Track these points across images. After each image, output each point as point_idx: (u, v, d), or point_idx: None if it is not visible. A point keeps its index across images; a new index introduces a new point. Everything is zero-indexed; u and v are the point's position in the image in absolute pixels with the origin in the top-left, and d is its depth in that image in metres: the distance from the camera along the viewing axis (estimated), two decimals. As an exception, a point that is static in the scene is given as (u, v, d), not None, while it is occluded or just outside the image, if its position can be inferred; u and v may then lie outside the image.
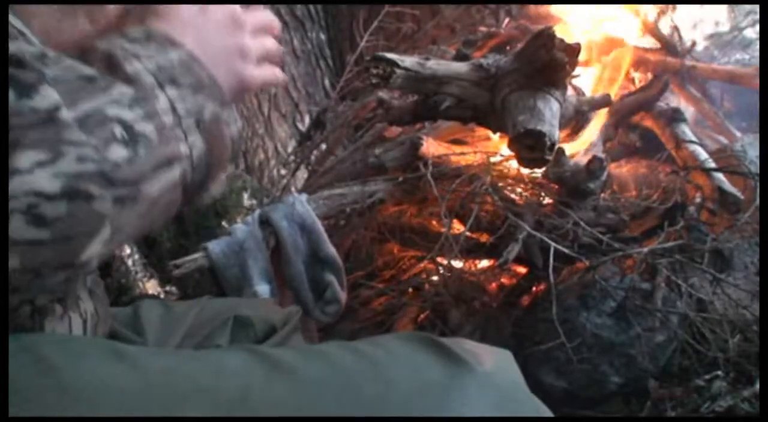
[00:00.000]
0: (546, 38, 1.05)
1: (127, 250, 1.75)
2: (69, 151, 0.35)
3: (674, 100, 1.75)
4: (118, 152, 0.37)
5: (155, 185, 0.39)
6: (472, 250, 1.27)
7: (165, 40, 0.43)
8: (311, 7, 2.41)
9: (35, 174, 0.34)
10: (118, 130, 0.37)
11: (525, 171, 1.28)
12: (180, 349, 0.62)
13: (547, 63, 1.06)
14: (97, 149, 0.36)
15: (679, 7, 1.74)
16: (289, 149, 2.27)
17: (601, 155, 1.21)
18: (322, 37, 2.44)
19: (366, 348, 0.48)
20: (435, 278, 1.36)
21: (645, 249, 1.15)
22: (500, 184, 1.26)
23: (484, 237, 1.27)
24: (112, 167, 0.36)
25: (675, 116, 1.52)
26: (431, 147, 1.34)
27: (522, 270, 1.29)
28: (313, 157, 1.77)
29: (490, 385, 0.47)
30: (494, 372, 0.48)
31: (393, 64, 1.09)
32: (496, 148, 1.41)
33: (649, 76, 1.65)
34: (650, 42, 1.70)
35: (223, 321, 0.69)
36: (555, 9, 1.69)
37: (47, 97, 0.35)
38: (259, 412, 0.41)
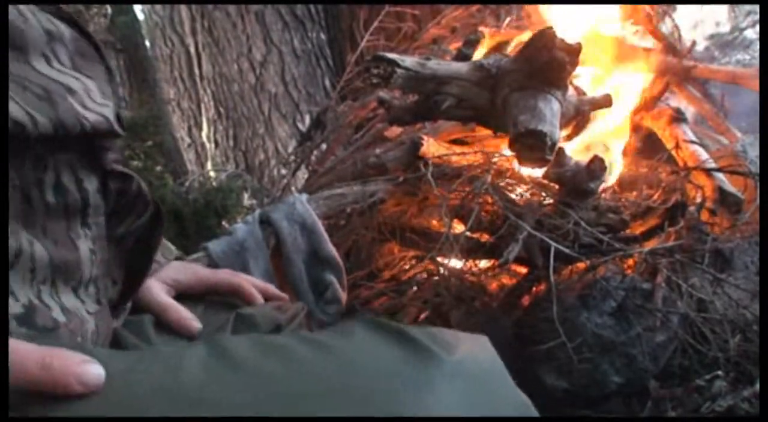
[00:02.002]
0: (547, 38, 1.06)
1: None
2: None
3: (675, 100, 1.75)
4: None
5: None
6: (472, 250, 1.27)
7: None
8: (311, 7, 2.42)
9: None
10: None
11: (525, 171, 1.28)
12: (146, 349, 0.60)
13: (548, 63, 1.06)
14: None
15: (679, 7, 1.74)
16: (290, 149, 2.27)
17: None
18: (323, 37, 2.45)
19: (327, 340, 0.47)
20: (435, 278, 1.36)
21: (645, 249, 1.15)
22: (501, 184, 1.26)
23: (484, 237, 1.27)
24: None
25: (676, 116, 1.52)
26: (432, 147, 1.35)
27: (522, 270, 1.29)
28: (313, 157, 1.78)
29: (458, 374, 0.45)
30: (464, 360, 0.46)
31: (393, 63, 1.09)
32: (496, 147, 1.41)
33: (650, 76, 1.65)
34: (651, 42, 1.70)
35: (225, 319, 0.69)
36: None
37: None
38: (217, 412, 0.40)
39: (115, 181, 0.57)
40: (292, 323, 0.73)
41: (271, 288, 0.81)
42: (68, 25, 0.54)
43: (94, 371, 0.38)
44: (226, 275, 0.79)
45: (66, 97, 0.50)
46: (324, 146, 1.76)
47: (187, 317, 0.68)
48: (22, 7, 0.49)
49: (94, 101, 0.53)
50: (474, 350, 0.49)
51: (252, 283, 0.79)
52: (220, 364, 0.43)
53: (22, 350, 0.37)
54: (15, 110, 0.45)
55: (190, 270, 0.77)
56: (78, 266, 0.53)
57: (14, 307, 0.46)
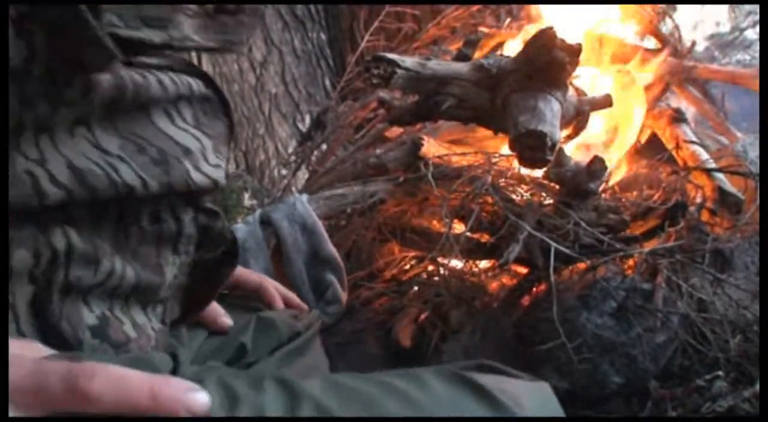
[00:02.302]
0: (547, 38, 1.06)
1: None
2: None
3: (675, 100, 1.75)
4: None
5: None
6: (472, 250, 1.27)
7: None
8: (312, 7, 2.42)
9: None
10: None
11: (525, 171, 1.28)
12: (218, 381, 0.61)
13: (548, 63, 1.06)
14: None
15: (680, 7, 1.74)
16: (290, 149, 2.27)
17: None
18: (323, 37, 2.45)
19: (404, 388, 0.47)
20: (436, 278, 1.36)
21: (646, 250, 1.15)
22: (501, 184, 1.26)
23: (484, 238, 1.27)
24: None
25: (676, 116, 1.52)
26: (432, 147, 1.35)
27: (523, 270, 1.29)
28: (313, 157, 1.78)
29: None
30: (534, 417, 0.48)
31: (394, 64, 1.09)
32: (496, 148, 1.42)
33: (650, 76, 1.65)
34: (651, 42, 1.70)
35: (246, 320, 0.70)
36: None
37: None
38: None
39: (204, 216, 0.58)
40: (308, 331, 0.75)
41: (292, 296, 0.83)
42: (200, 80, 0.54)
43: (200, 399, 0.38)
44: (253, 275, 0.81)
45: (181, 159, 0.50)
46: (324, 146, 1.76)
47: (221, 314, 0.70)
48: (163, 76, 0.49)
49: (207, 162, 0.53)
50: (540, 404, 0.50)
51: (276, 288, 0.81)
52: (305, 412, 0.43)
53: (133, 379, 0.36)
54: (127, 174, 0.45)
55: None
56: (159, 289, 0.54)
57: (89, 318, 0.47)
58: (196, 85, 0.53)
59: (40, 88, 0.41)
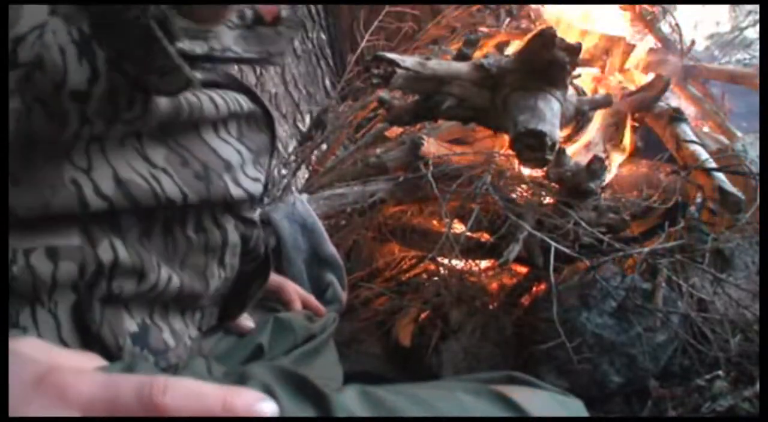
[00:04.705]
0: (547, 38, 1.06)
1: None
2: None
3: (675, 99, 1.75)
4: None
5: None
6: (472, 250, 1.27)
7: None
8: (312, 7, 2.41)
9: None
10: None
11: (526, 170, 1.28)
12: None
13: (548, 63, 1.06)
14: None
15: (680, 6, 1.74)
16: (290, 149, 2.27)
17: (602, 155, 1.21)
18: (323, 36, 2.44)
19: (434, 402, 0.46)
20: (436, 278, 1.36)
21: (646, 249, 1.15)
22: (501, 184, 1.26)
23: (484, 237, 1.27)
24: None
25: (676, 116, 1.52)
26: (432, 147, 1.35)
27: (523, 269, 1.29)
28: (313, 157, 1.78)
29: None
30: None
31: (394, 63, 1.09)
32: (496, 147, 1.41)
33: (650, 75, 1.65)
34: (651, 41, 1.70)
35: (263, 321, 0.71)
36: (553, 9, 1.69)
37: None
38: None
39: (242, 225, 0.58)
40: (322, 334, 0.76)
41: (311, 299, 0.84)
42: (246, 95, 0.55)
43: (269, 409, 0.38)
44: (274, 276, 0.82)
45: (222, 174, 0.51)
46: (324, 146, 1.76)
47: (245, 317, 0.71)
48: (214, 95, 0.50)
49: (246, 175, 0.54)
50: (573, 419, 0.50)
51: (296, 290, 0.82)
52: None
53: (206, 392, 0.37)
54: (169, 188, 0.46)
55: None
56: (200, 298, 0.55)
57: (130, 325, 0.47)
58: (244, 101, 0.54)
59: (100, 108, 0.41)
